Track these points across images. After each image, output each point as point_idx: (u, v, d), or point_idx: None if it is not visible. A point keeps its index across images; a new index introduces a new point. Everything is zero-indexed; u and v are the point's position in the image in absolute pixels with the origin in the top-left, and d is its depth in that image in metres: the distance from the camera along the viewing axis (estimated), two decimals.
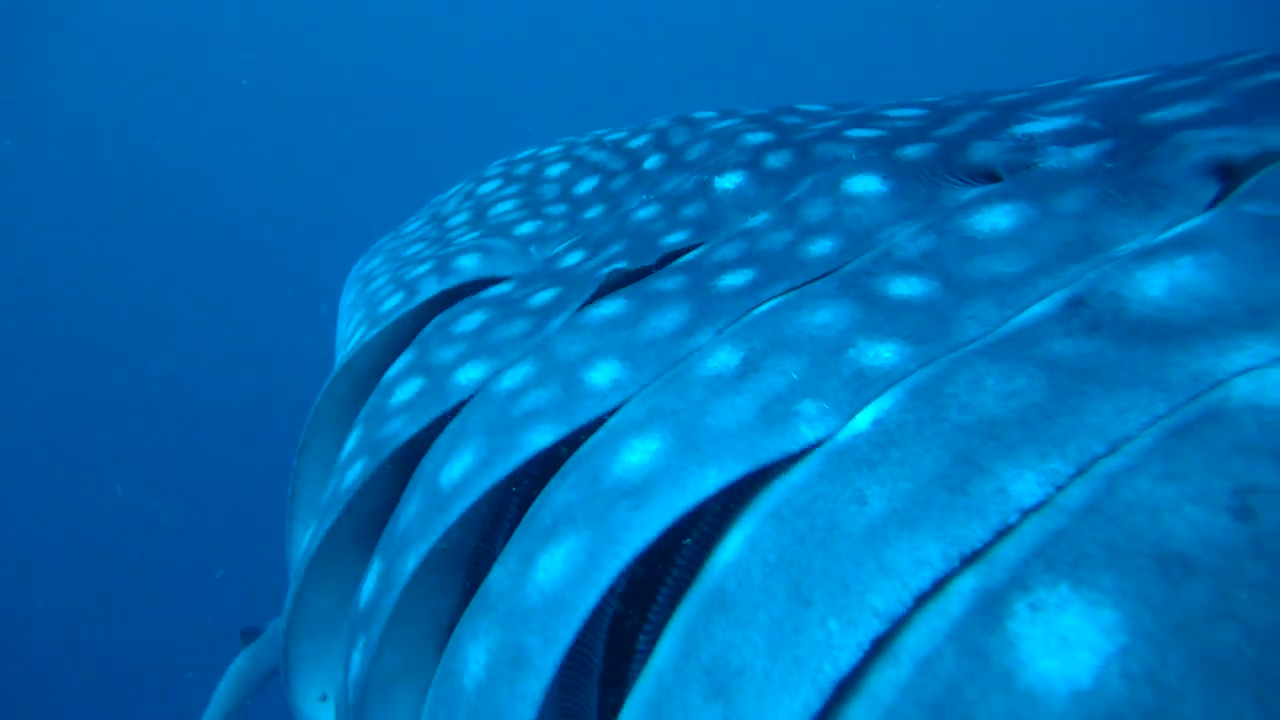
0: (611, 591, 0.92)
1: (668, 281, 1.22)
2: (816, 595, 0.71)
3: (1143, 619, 0.56)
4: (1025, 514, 0.67)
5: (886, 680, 0.65)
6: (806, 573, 0.73)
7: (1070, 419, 0.71)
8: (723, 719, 0.70)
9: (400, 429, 1.28)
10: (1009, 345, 0.82)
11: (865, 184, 1.20)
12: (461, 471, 1.09)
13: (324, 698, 1.35)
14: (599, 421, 1.04)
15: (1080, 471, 0.67)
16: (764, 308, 1.07)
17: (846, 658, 0.66)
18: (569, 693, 0.97)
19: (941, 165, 1.17)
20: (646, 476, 0.90)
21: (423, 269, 1.68)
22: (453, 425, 1.18)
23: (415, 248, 1.90)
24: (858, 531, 0.72)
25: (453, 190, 2.25)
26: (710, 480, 0.85)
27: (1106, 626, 0.57)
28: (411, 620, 1.09)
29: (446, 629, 1.13)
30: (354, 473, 1.29)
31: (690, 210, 1.41)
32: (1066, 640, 0.58)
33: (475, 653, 0.90)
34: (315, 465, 1.62)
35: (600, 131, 2.10)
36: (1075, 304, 0.82)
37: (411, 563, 1.06)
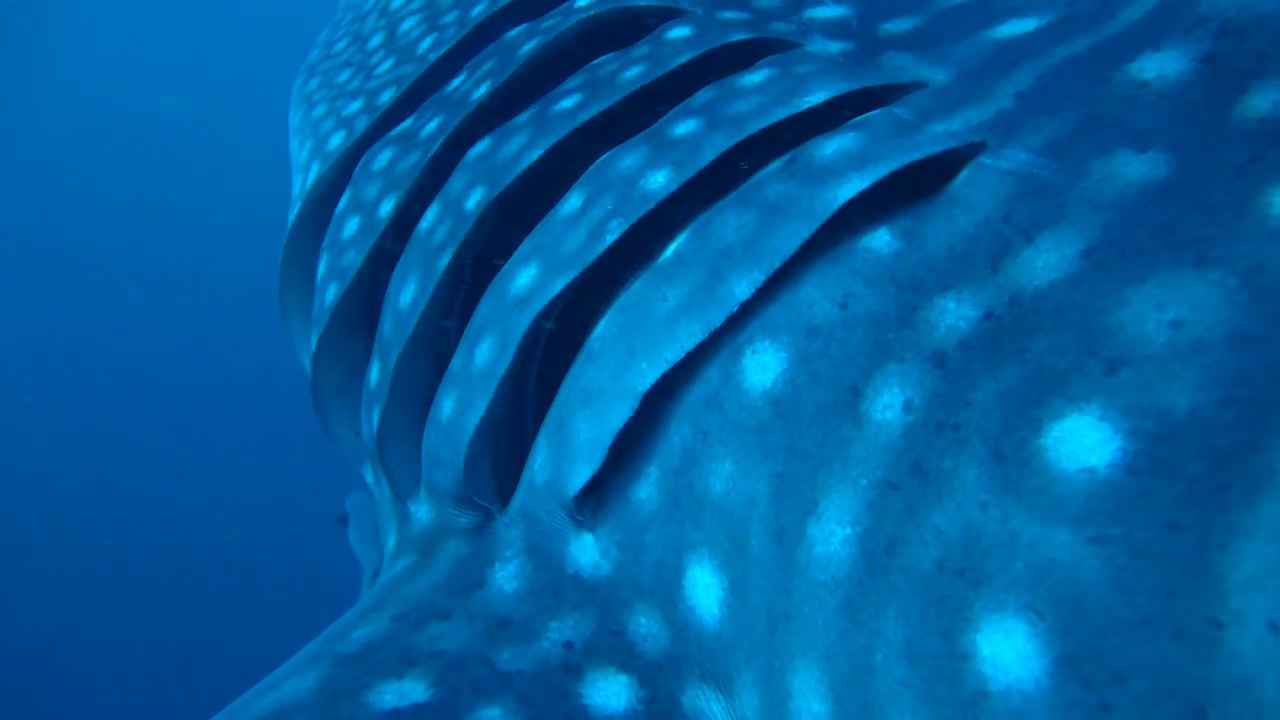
0: (525, 359, 1.41)
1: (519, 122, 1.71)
2: (638, 350, 1.21)
3: (793, 353, 1.09)
4: (742, 304, 1.15)
5: (671, 394, 1.19)
6: (634, 339, 1.23)
7: (765, 242, 1.18)
8: (588, 413, 1.24)
9: (353, 260, 1.83)
10: (745, 191, 1.27)
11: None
12: (410, 297, 1.63)
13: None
14: (471, 238, 1.60)
15: (770, 278, 1.15)
16: (603, 157, 1.49)
17: (650, 381, 1.18)
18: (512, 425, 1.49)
19: (749, 28, 1.59)
20: (529, 291, 1.39)
21: (356, 105, 2.15)
22: (399, 264, 1.70)
23: (345, 74, 2.34)
24: (661, 316, 1.21)
25: (370, 4, 2.58)
26: (559, 284, 1.35)
27: (779, 359, 1.10)
28: (401, 398, 1.64)
29: (425, 399, 1.65)
30: (330, 295, 1.86)
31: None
32: (764, 366, 1.11)
33: (447, 403, 1.46)
34: (295, 270, 2.23)
35: None
36: (789, 160, 1.27)
37: (394, 357, 1.62)
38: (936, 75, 1.29)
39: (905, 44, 1.39)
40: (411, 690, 1.09)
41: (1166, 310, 0.85)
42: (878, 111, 1.26)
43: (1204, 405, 0.78)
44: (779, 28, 1.55)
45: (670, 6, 1.72)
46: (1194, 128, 0.98)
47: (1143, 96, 1.05)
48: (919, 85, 1.29)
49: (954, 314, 1.00)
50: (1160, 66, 1.07)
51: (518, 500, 1.36)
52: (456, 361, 1.48)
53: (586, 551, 1.24)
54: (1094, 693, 0.74)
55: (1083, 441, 0.83)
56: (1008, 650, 0.79)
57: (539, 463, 1.32)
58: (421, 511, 1.56)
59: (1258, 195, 0.87)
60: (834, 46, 1.45)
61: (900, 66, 1.34)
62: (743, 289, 1.15)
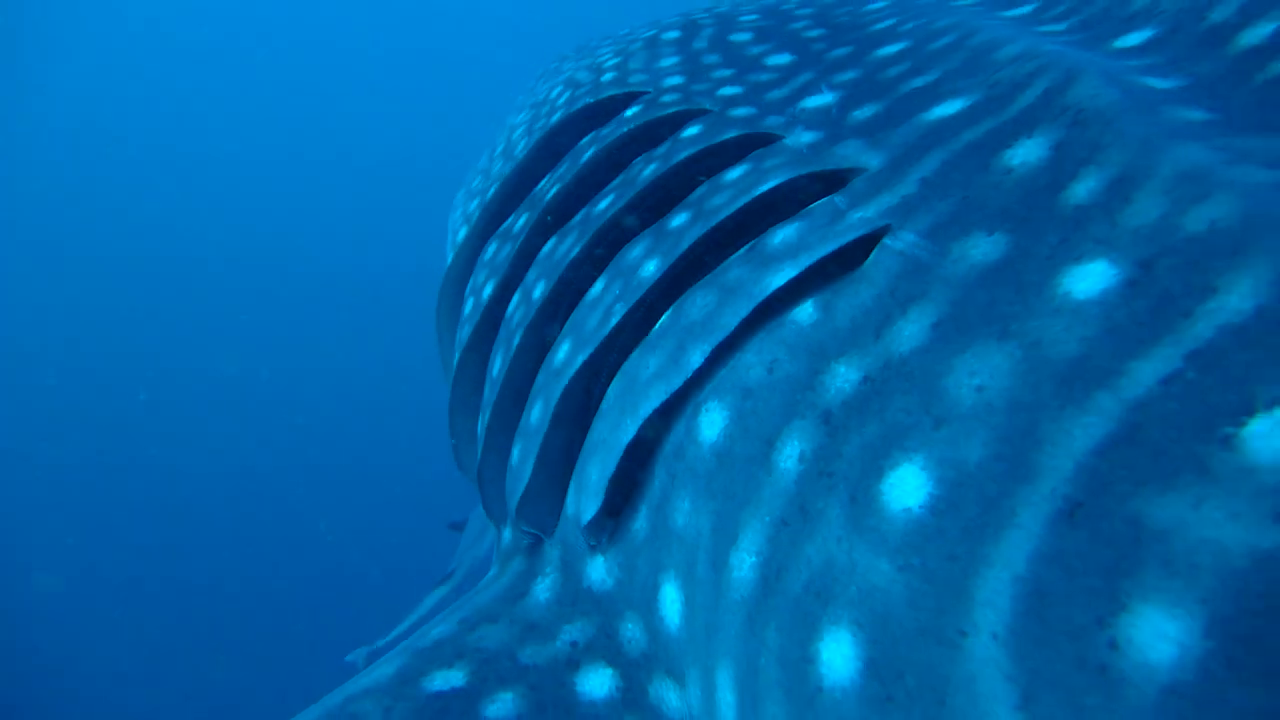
0: (563, 420, 1.74)
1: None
2: (626, 409, 1.50)
3: (732, 411, 1.33)
4: (696, 371, 1.40)
5: (656, 445, 1.47)
6: (624, 400, 1.52)
7: (717, 319, 1.42)
8: (595, 459, 1.55)
9: (469, 334, 2.26)
10: (713, 276, 1.51)
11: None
12: (498, 367, 2.05)
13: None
14: (538, 320, 1.95)
15: (717, 348, 1.39)
16: (623, 250, 1.81)
17: (631, 434, 1.46)
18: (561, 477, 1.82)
19: (747, 124, 1.84)
20: (562, 364, 1.73)
21: (475, 203, 2.72)
22: (495, 341, 2.15)
23: (476, 180, 2.96)
24: (643, 381, 1.50)
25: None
26: (580, 360, 1.66)
27: (723, 416, 1.34)
28: (495, 447, 2.03)
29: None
30: (456, 360, 2.33)
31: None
32: (713, 422, 1.35)
33: (515, 452, 1.83)
34: (448, 336, 2.71)
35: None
36: (751, 247, 1.51)
37: (488, 414, 2.03)
38: (873, 161, 1.47)
39: (862, 130, 1.57)
40: (454, 677, 1.43)
41: (975, 377, 1.03)
42: (821, 200, 1.47)
43: (985, 459, 0.97)
44: (771, 121, 1.77)
45: (696, 109, 1.99)
46: (1032, 212, 1.13)
47: (1005, 182, 1.21)
48: (860, 170, 1.48)
49: (843, 377, 1.20)
50: (1027, 153, 1.22)
51: (559, 527, 1.68)
52: (523, 419, 1.84)
53: (598, 570, 1.55)
54: (883, 687, 0.95)
55: (907, 486, 1.03)
56: (837, 655, 1.01)
57: (569, 497, 1.64)
58: (506, 534, 1.92)
59: (1055, 275, 1.04)
60: (806, 137, 1.65)
61: (846, 155, 1.53)
62: (697, 358, 1.41)
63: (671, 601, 1.36)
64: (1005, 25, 1.67)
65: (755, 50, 2.18)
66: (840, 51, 1.96)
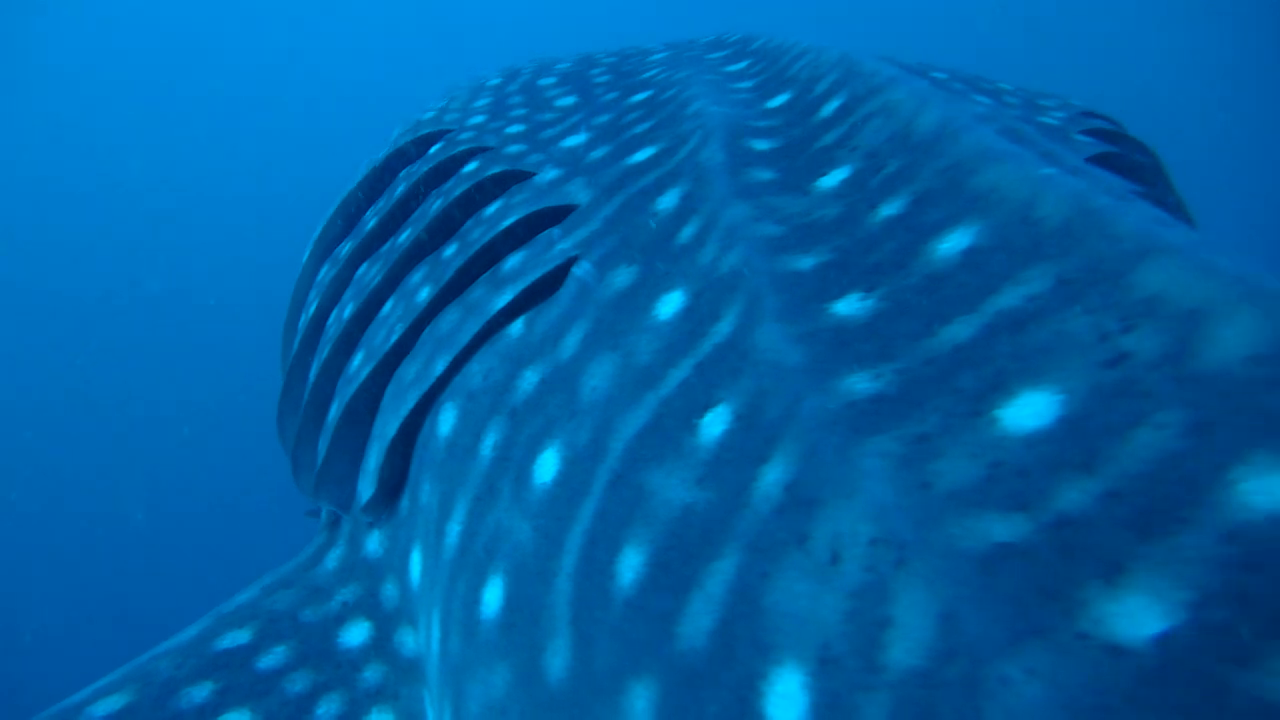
0: (357, 417, 2.02)
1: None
2: (393, 409, 1.80)
3: (459, 411, 1.63)
4: (439, 377, 1.71)
5: (412, 439, 1.76)
6: (393, 401, 1.82)
7: (458, 333, 1.72)
8: (372, 449, 1.85)
9: (297, 344, 2.52)
10: (462, 296, 1.82)
11: None
12: (315, 370, 2.42)
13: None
14: (344, 334, 2.21)
15: (456, 357, 1.69)
16: (406, 276, 2.12)
17: (394, 430, 1.76)
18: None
19: (512, 161, 2.12)
20: (354, 372, 2.05)
21: (317, 231, 2.92)
22: (314, 359, 2.43)
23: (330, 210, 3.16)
24: (405, 384, 1.81)
25: None
26: (366, 371, 1.97)
27: (453, 415, 1.64)
28: (305, 440, 2.29)
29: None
30: (287, 366, 2.60)
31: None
32: (447, 420, 1.66)
33: (321, 443, 2.13)
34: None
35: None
36: (494, 271, 1.82)
37: (300, 417, 2.41)
38: (584, 198, 1.77)
39: (588, 170, 1.87)
40: (241, 636, 1.72)
41: (593, 379, 1.34)
42: (544, 233, 1.78)
43: (586, 443, 1.28)
44: (533, 159, 2.07)
45: (481, 145, 2.29)
46: (659, 248, 1.44)
47: (650, 223, 1.52)
48: (576, 206, 1.79)
49: (528, 380, 1.49)
50: (669, 200, 1.53)
51: (353, 507, 1.98)
52: (327, 417, 2.13)
53: (373, 541, 1.85)
54: (510, 615, 1.26)
55: (547, 465, 1.34)
56: (494, 595, 1.32)
57: (357, 481, 1.93)
58: (322, 513, 2.21)
59: (654, 300, 1.35)
60: (550, 175, 1.95)
61: (570, 192, 1.83)
62: (440, 366, 1.71)
63: (415, 564, 1.66)
64: (708, 85, 1.99)
65: (551, 94, 2.48)
66: (609, 96, 2.27)
